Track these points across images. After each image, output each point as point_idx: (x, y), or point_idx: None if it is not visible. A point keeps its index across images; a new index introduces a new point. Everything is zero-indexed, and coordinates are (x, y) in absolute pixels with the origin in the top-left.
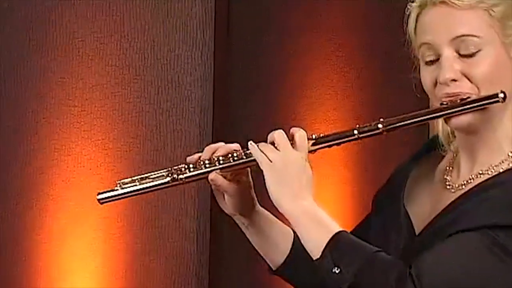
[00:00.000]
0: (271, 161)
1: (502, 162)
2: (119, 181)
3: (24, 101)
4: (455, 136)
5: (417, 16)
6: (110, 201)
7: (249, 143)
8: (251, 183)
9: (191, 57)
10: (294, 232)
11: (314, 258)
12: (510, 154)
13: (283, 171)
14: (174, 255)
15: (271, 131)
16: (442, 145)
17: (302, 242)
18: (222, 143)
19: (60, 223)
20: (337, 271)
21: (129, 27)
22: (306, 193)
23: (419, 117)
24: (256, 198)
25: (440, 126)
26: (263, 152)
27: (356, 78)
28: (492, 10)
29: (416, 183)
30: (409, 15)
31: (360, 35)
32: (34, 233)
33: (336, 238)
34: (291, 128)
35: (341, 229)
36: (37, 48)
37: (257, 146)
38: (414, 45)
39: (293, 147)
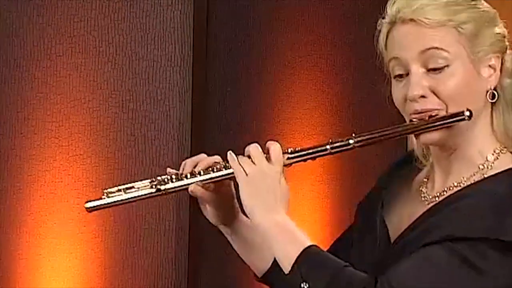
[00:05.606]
0: (247, 174)
1: (474, 174)
2: (105, 190)
3: (2, 116)
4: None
5: (388, 32)
6: (97, 209)
7: (228, 153)
8: (233, 194)
9: (170, 72)
10: None
11: (285, 272)
12: (480, 167)
13: (257, 184)
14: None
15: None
16: (418, 159)
17: (274, 255)
18: (204, 155)
19: (39, 239)
20: (305, 286)
21: (107, 43)
22: (279, 207)
23: (388, 133)
24: (238, 208)
25: (415, 141)
26: (240, 165)
27: (336, 93)
28: (461, 28)
29: (395, 194)
30: (380, 31)
31: (342, 50)
32: (13, 249)
33: (306, 253)
34: (267, 141)
35: (311, 243)
36: (15, 63)
37: (236, 158)
38: (385, 60)
39: (268, 161)
